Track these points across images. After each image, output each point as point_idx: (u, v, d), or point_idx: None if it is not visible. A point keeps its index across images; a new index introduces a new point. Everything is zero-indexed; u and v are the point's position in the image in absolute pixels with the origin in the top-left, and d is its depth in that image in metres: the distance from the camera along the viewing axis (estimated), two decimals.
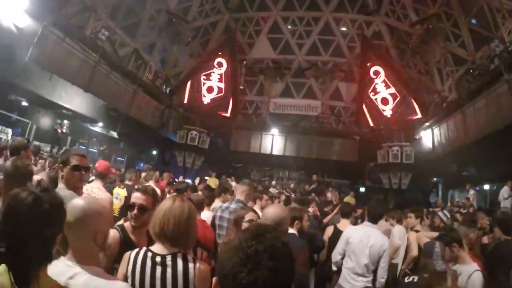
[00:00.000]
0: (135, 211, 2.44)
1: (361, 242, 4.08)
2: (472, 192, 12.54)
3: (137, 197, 2.51)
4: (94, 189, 3.79)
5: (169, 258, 1.92)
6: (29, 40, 10.12)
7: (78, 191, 2.82)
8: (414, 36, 14.83)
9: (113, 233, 2.31)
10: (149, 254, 1.95)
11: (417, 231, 5.26)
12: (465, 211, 10.39)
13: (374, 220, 4.29)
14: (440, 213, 7.25)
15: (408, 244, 5.18)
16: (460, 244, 3.27)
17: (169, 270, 1.90)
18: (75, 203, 1.64)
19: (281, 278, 1.02)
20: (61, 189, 2.64)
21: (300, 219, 4.21)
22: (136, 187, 5.81)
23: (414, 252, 4.87)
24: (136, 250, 2.02)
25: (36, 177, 3.01)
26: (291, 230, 3.80)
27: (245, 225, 3.06)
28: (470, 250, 4.14)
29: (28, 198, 1.37)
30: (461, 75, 13.19)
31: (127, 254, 2.01)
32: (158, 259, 1.92)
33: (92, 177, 5.20)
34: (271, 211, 2.41)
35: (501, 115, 10.64)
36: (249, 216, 3.14)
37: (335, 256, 4.27)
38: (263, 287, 0.98)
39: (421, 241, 4.74)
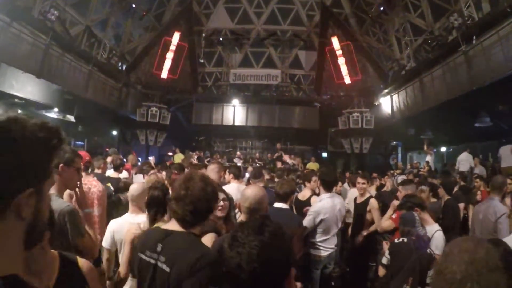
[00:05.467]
0: None
1: (333, 215, 4.35)
2: (428, 157, 13.22)
3: None
4: (92, 182, 3.78)
5: None
6: None
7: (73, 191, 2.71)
8: (374, 5, 15.02)
9: None
10: None
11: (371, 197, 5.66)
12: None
13: (329, 187, 4.51)
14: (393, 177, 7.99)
15: (372, 209, 5.44)
16: (421, 208, 3.74)
17: None
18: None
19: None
20: (56, 198, 2.39)
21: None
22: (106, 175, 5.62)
23: (389, 223, 5.00)
24: None
25: None
26: (285, 206, 3.97)
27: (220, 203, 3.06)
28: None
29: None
30: (419, 44, 13.72)
31: None
32: None
33: None
34: (251, 192, 2.48)
35: (458, 84, 11.32)
36: (220, 196, 3.04)
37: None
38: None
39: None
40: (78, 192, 2.70)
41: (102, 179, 5.04)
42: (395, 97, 15.62)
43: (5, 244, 0.80)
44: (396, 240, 3.37)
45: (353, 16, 17.15)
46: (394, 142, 18.52)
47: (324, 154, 20.66)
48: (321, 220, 4.26)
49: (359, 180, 5.72)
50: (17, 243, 0.84)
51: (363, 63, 16.77)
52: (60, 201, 2.40)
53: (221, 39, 19.09)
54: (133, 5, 15.46)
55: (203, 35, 18.80)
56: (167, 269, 1.65)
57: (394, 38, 15.44)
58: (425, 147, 13.28)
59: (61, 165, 2.45)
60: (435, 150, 14.91)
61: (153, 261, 1.81)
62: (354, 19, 17.16)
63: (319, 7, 17.42)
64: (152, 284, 1.78)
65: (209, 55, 20.40)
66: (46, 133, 0.87)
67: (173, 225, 1.91)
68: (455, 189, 6.76)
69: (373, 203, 5.44)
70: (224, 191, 3.36)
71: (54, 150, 0.90)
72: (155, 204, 2.82)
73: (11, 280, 0.80)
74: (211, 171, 4.41)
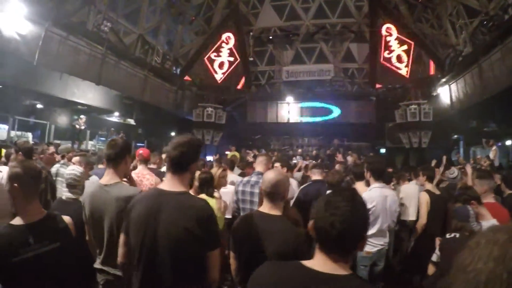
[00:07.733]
0: None
1: (382, 206, 4.04)
2: (494, 148, 12.06)
3: None
4: (146, 175, 4.25)
5: None
6: (34, 44, 10.28)
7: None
8: None
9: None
10: None
11: (428, 191, 5.09)
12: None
13: (379, 176, 4.19)
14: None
15: (420, 204, 5.02)
16: (478, 201, 3.38)
17: None
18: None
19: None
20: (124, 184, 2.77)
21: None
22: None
23: (423, 219, 4.78)
24: None
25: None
26: None
27: None
28: None
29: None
30: (475, 27, 12.52)
31: None
32: None
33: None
34: (268, 176, 2.52)
35: None
36: None
37: None
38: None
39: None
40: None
41: (157, 173, 5.48)
42: (453, 86, 14.42)
43: (186, 181, 2.18)
44: (447, 236, 3.14)
45: (403, 2, 16.14)
46: (455, 136, 17.06)
47: (382, 150, 19.74)
48: (368, 210, 4.06)
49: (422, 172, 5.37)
50: (188, 183, 2.25)
51: (418, 51, 15.73)
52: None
53: (270, 37, 19.15)
54: (182, 11, 16.17)
55: (251, 34, 18.97)
56: None
57: (448, 22, 14.24)
58: (483, 142, 12.09)
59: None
60: (499, 144, 13.44)
61: None
62: (404, 6, 16.14)
63: None
64: None
65: (260, 54, 20.63)
66: (200, 142, 2.36)
67: None
68: None
69: (421, 197, 5.01)
70: None
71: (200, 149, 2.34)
72: (205, 183, 3.84)
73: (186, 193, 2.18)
74: (259, 163, 4.50)
